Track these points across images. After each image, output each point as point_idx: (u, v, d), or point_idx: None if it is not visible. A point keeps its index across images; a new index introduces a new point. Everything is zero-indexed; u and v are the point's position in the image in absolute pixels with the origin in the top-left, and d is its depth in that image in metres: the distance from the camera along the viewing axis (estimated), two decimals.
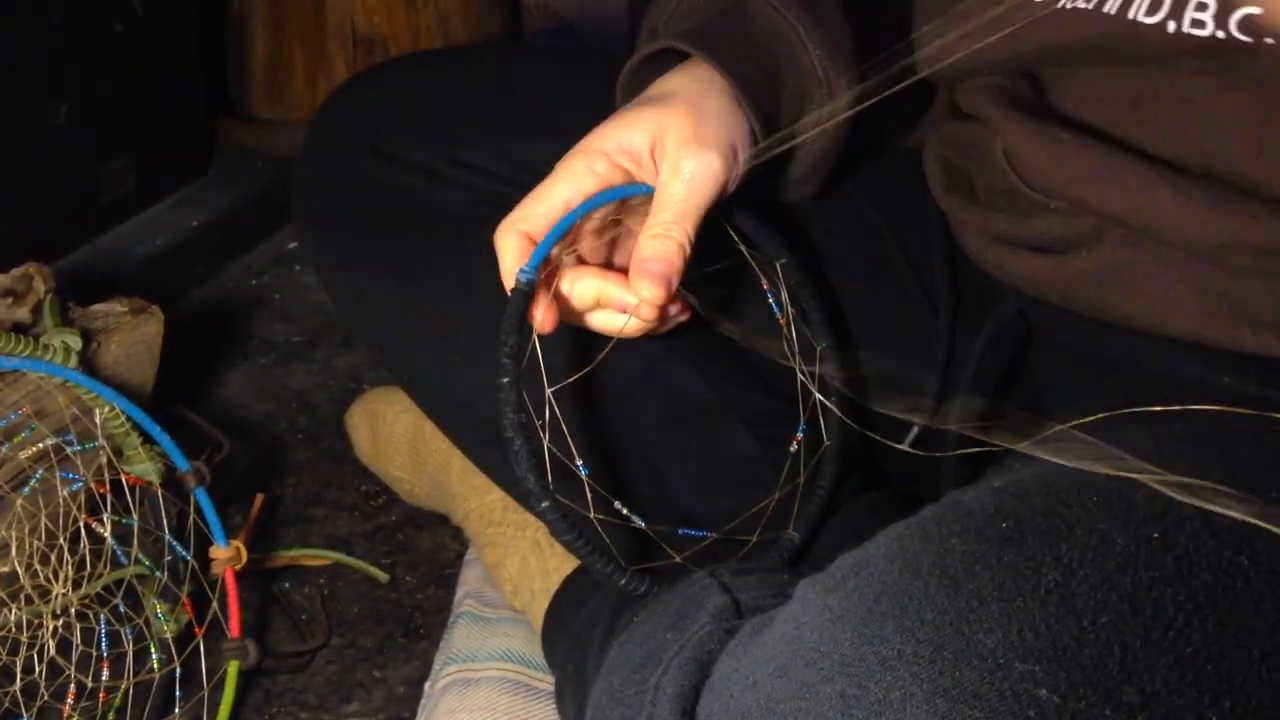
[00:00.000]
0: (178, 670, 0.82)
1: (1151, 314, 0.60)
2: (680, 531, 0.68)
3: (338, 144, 0.82)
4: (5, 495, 0.80)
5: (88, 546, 0.81)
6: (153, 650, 0.82)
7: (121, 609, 0.81)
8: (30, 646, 0.77)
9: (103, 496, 0.83)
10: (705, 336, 0.72)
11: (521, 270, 0.60)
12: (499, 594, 0.91)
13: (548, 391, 0.61)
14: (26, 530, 0.78)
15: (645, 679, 0.53)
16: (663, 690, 0.50)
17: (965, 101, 0.70)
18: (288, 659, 0.88)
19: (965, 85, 0.69)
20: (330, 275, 0.85)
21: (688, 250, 0.60)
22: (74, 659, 0.78)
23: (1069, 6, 0.59)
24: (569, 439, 0.62)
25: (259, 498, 1.00)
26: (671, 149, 0.61)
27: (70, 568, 0.79)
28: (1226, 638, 0.39)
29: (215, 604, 0.84)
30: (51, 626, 0.78)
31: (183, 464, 0.85)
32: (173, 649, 0.83)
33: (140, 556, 0.84)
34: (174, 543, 0.84)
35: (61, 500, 0.80)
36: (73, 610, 0.79)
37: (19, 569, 0.77)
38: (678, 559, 0.66)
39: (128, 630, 0.81)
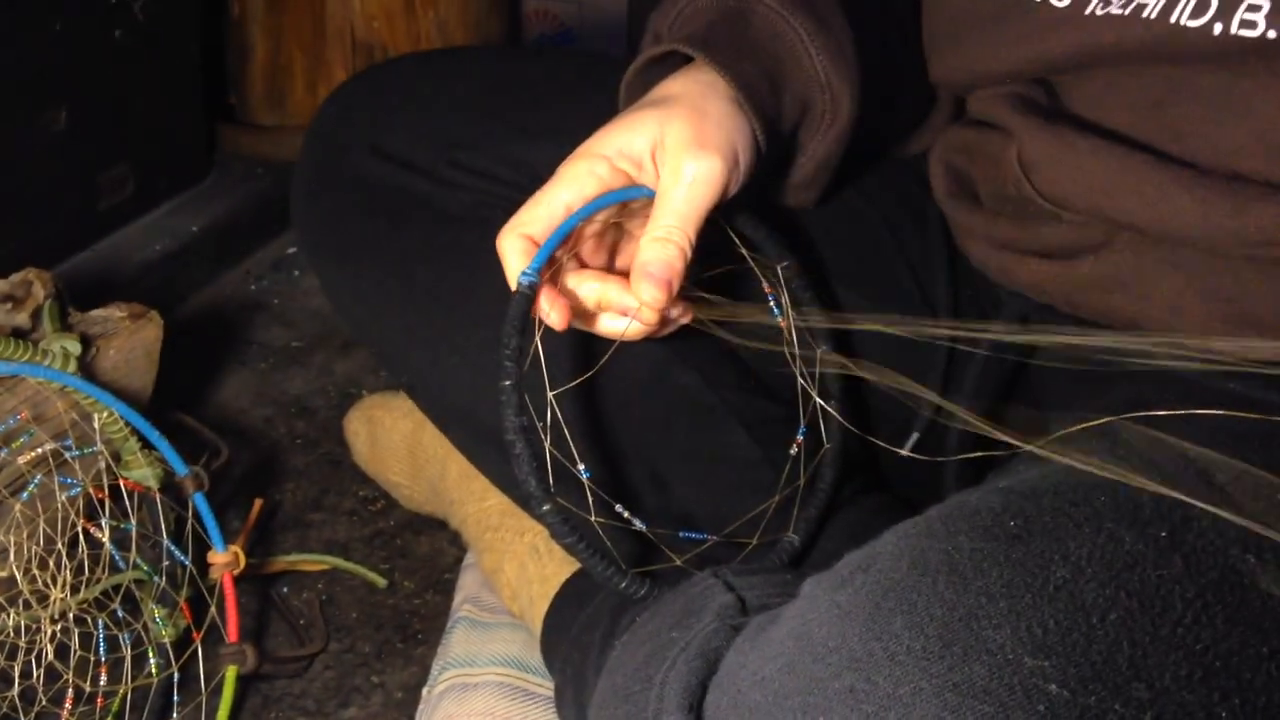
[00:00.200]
0: (176, 675, 0.82)
1: (1158, 318, 0.60)
2: (680, 534, 0.68)
3: (337, 144, 0.82)
4: (4, 500, 0.80)
5: (86, 551, 0.80)
6: (151, 655, 0.82)
7: (120, 614, 0.80)
8: (28, 651, 0.77)
9: (101, 501, 0.83)
10: (706, 340, 0.72)
11: (523, 273, 0.60)
12: (497, 599, 0.91)
13: (549, 395, 0.60)
14: (25, 535, 0.78)
15: (651, 676, 0.52)
16: (669, 686, 0.50)
17: (978, 107, 0.70)
18: (286, 664, 0.88)
19: (979, 91, 0.69)
20: (329, 275, 0.85)
21: (689, 253, 0.60)
22: (72, 664, 0.78)
23: (1100, 13, 0.59)
24: (570, 442, 0.62)
25: (257, 503, 1.00)
26: (673, 152, 0.61)
27: (68, 573, 0.79)
28: (1235, 635, 0.39)
29: (213, 609, 0.84)
30: (49, 631, 0.78)
31: (181, 469, 0.84)
32: (171, 654, 0.83)
33: (138, 561, 0.83)
34: (172, 548, 0.84)
35: (60, 505, 0.80)
36: (71, 615, 0.79)
37: (17, 574, 0.77)
38: (678, 562, 0.66)
39: (126, 635, 0.80)
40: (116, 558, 0.82)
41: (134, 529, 0.83)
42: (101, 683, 0.79)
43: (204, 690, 0.82)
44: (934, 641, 0.39)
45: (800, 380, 0.68)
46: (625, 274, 0.64)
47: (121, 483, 0.84)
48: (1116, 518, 0.42)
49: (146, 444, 0.84)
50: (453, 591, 0.96)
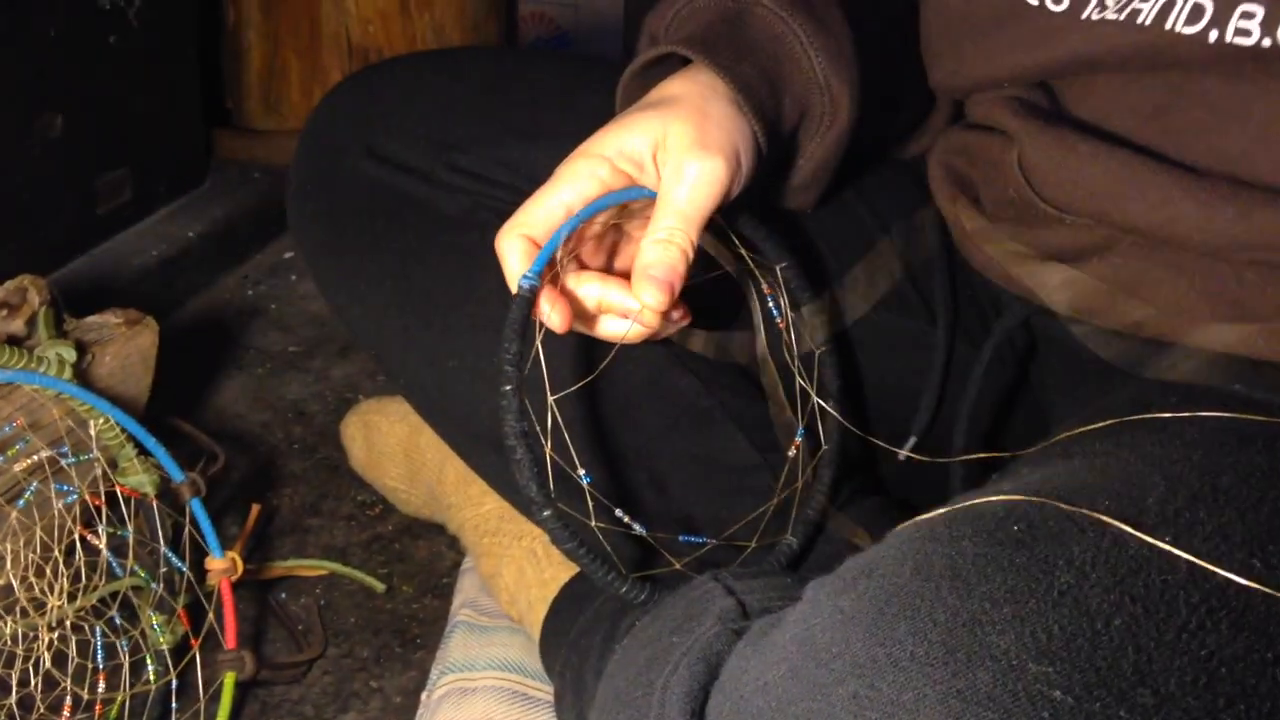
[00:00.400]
0: (174, 682, 0.82)
1: (1161, 322, 0.60)
2: (680, 538, 0.68)
3: (332, 146, 0.82)
4: (0, 508, 0.80)
5: (83, 559, 0.80)
6: (149, 662, 0.82)
7: (117, 621, 0.80)
8: (26, 659, 0.77)
9: (98, 508, 0.82)
10: (705, 343, 0.72)
11: (524, 276, 0.60)
12: (495, 603, 0.91)
13: (550, 399, 0.60)
14: (21, 543, 0.78)
15: (652, 680, 0.52)
16: (671, 691, 0.50)
17: (978, 111, 0.69)
18: (284, 670, 0.88)
19: (979, 95, 0.69)
20: (326, 279, 0.85)
21: (690, 255, 0.60)
22: (70, 671, 0.78)
23: (1095, 18, 0.59)
24: (570, 447, 0.61)
25: (255, 508, 1.00)
26: (675, 153, 0.61)
27: (65, 580, 0.79)
28: (1240, 641, 0.39)
29: (211, 615, 0.84)
30: (47, 639, 0.77)
31: (178, 475, 0.84)
32: (169, 661, 0.82)
33: (136, 568, 0.83)
34: (169, 554, 0.84)
35: (56, 513, 0.79)
36: (68, 623, 0.79)
37: (14, 582, 0.77)
38: (678, 565, 0.65)
39: (123, 642, 0.80)
40: (114, 565, 0.82)
41: (131, 535, 0.83)
42: (99, 690, 0.79)
43: (202, 697, 0.81)
44: (938, 647, 0.39)
45: (799, 381, 0.68)
46: (624, 276, 0.63)
47: (118, 489, 0.84)
48: (1121, 522, 0.42)
49: (143, 450, 0.84)
50: (451, 596, 0.95)
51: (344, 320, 0.87)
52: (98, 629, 0.79)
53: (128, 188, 1.38)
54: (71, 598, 0.79)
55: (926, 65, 0.73)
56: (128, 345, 0.93)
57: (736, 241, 0.67)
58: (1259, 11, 0.53)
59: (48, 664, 0.77)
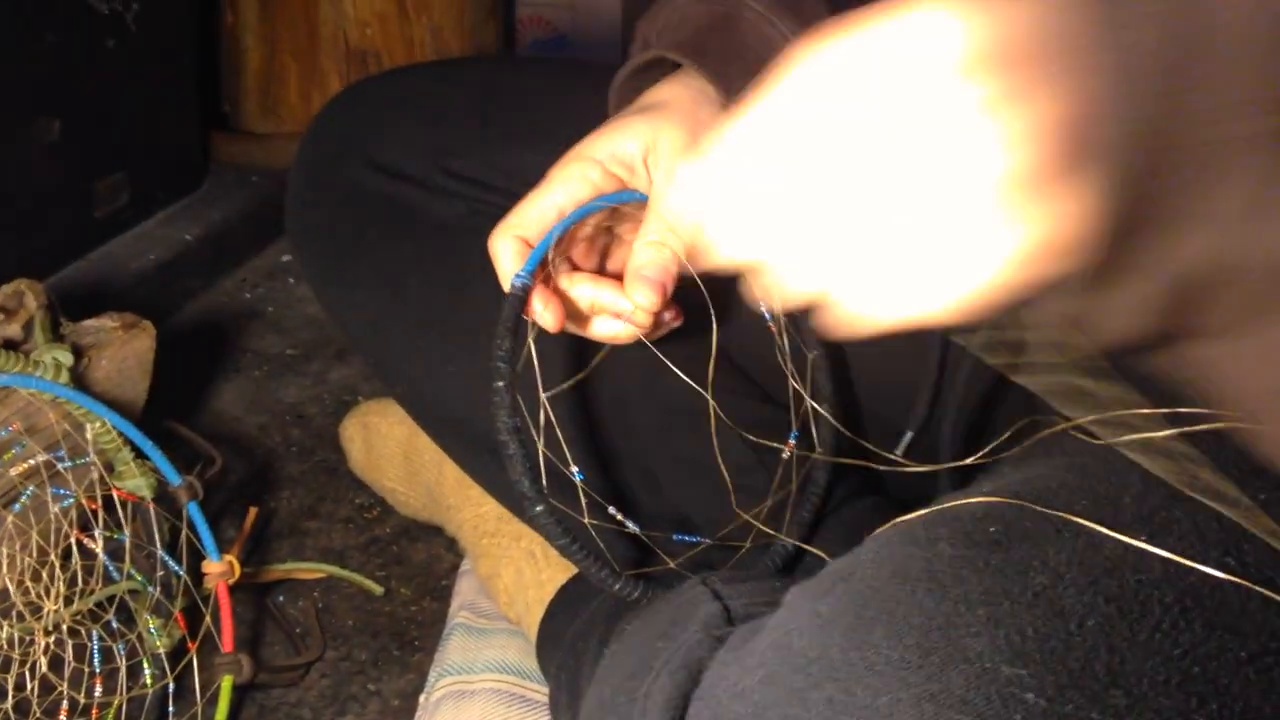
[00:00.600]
0: (171, 685, 0.82)
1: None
2: (674, 537, 0.68)
3: (331, 156, 0.82)
4: None
5: (80, 562, 0.80)
6: (146, 666, 0.82)
7: (114, 625, 0.80)
8: (22, 663, 0.77)
9: (94, 512, 0.83)
10: (698, 343, 0.72)
11: (517, 275, 0.61)
12: (494, 605, 0.91)
13: (542, 396, 0.60)
14: (18, 547, 0.78)
15: (635, 688, 0.53)
16: (652, 699, 0.50)
17: None
18: (282, 673, 0.88)
19: None
20: (323, 286, 0.85)
21: (682, 257, 0.60)
22: (66, 675, 0.78)
23: None
24: (564, 444, 0.62)
25: (252, 511, 1.00)
26: (666, 157, 0.61)
27: (62, 584, 0.79)
28: (1214, 639, 0.39)
29: (208, 618, 0.84)
30: (44, 643, 0.78)
31: (175, 479, 0.84)
32: (166, 664, 0.83)
33: (133, 572, 0.83)
34: (166, 558, 0.84)
35: (53, 516, 0.80)
36: (65, 626, 0.79)
37: (10, 586, 0.77)
38: (672, 565, 0.66)
39: (120, 646, 0.80)
40: (110, 568, 0.82)
41: (128, 539, 0.83)
42: (96, 694, 0.79)
43: (200, 700, 0.82)
44: (912, 651, 0.39)
45: (792, 382, 0.68)
46: (616, 278, 0.64)
47: (115, 493, 0.84)
48: (1097, 522, 0.42)
49: (140, 454, 0.84)
50: (449, 598, 0.96)
51: (341, 328, 0.87)
52: (94, 633, 0.80)
53: (125, 191, 1.38)
54: (68, 601, 0.79)
55: None
56: (125, 349, 0.93)
57: None
58: None
59: (44, 668, 0.77)
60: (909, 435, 0.75)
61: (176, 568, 0.84)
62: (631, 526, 0.64)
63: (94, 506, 0.83)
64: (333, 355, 1.32)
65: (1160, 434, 0.47)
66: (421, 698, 0.86)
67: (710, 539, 0.68)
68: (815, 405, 0.69)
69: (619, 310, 0.62)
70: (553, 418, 0.61)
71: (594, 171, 0.62)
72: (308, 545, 1.03)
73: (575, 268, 0.66)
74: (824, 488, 0.72)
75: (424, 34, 1.62)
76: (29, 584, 0.78)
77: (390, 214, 0.79)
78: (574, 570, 0.82)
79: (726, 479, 0.67)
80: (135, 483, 0.85)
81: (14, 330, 0.86)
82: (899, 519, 0.47)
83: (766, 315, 0.69)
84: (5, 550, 0.77)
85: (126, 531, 0.83)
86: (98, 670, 0.79)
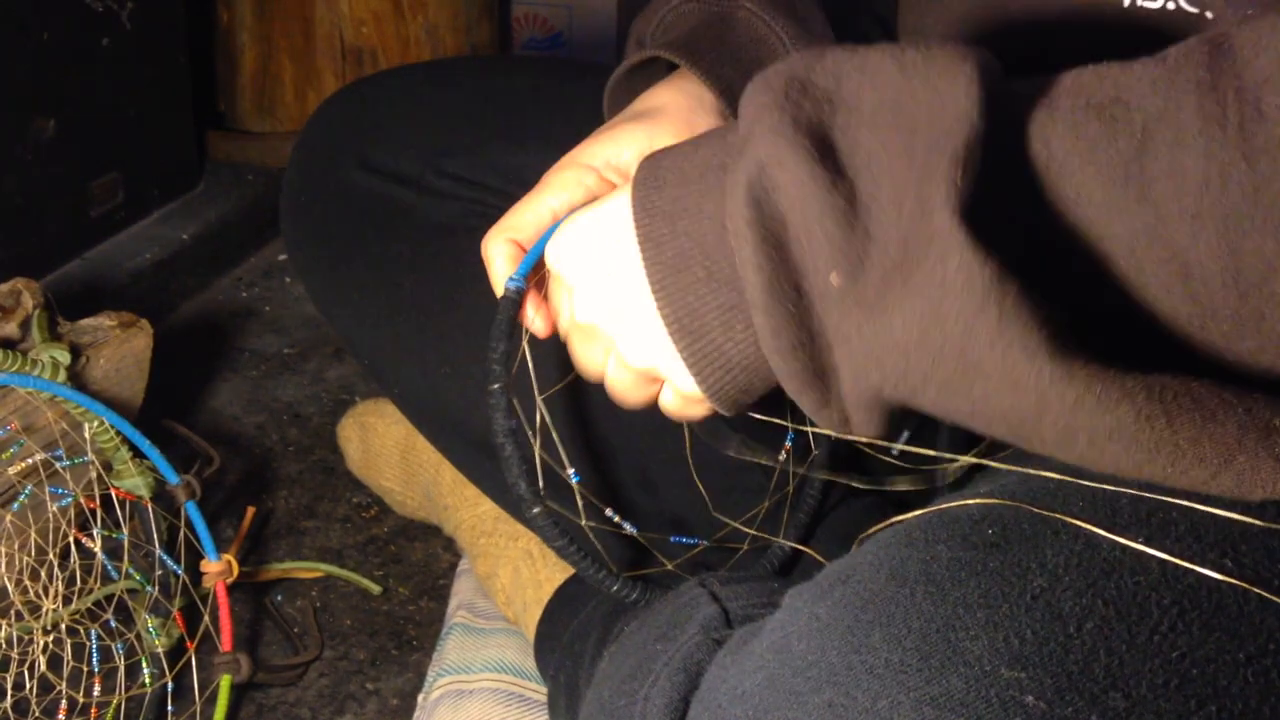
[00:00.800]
0: (169, 685, 0.82)
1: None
2: (671, 539, 0.68)
3: (325, 156, 0.82)
4: None
5: (78, 562, 0.80)
6: (144, 665, 0.82)
7: (112, 624, 0.80)
8: (21, 662, 0.77)
9: (92, 511, 0.83)
10: None
11: (510, 279, 0.60)
12: (492, 605, 0.91)
13: (538, 398, 0.61)
14: (16, 546, 0.78)
15: (635, 690, 0.53)
16: (652, 702, 0.50)
17: None
18: (280, 672, 0.88)
19: None
20: (318, 287, 0.85)
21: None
22: (65, 675, 0.78)
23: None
24: (560, 446, 0.62)
25: (250, 511, 1.00)
26: None
27: (60, 583, 0.79)
28: (1212, 641, 0.39)
29: (207, 618, 0.84)
30: (42, 642, 0.78)
31: (173, 478, 0.84)
32: (164, 663, 0.83)
33: (131, 571, 0.83)
34: (165, 557, 0.84)
35: (51, 516, 0.80)
36: (63, 626, 0.79)
37: (9, 585, 0.77)
38: (669, 566, 0.66)
39: (119, 645, 0.80)
40: (109, 568, 0.82)
41: (126, 538, 0.83)
42: (95, 693, 0.79)
43: (198, 700, 0.82)
44: (911, 654, 0.39)
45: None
46: None
47: (113, 492, 0.84)
48: (1094, 524, 0.42)
49: (138, 453, 0.84)
50: (447, 598, 0.96)
51: (337, 329, 0.87)
52: (93, 632, 0.80)
53: (121, 190, 1.38)
54: (66, 601, 0.79)
55: None
56: (122, 348, 0.93)
57: None
58: None
59: (43, 667, 0.77)
60: (905, 434, 0.75)
61: (175, 567, 0.84)
62: (629, 528, 0.64)
63: (92, 505, 0.83)
64: (330, 354, 1.32)
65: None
66: (420, 697, 0.86)
67: (707, 540, 0.69)
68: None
69: None
70: (549, 420, 0.61)
71: (589, 178, 0.62)
72: (305, 544, 1.03)
73: None
74: (820, 489, 0.72)
75: (419, 32, 1.62)
76: (27, 583, 0.78)
77: (385, 214, 0.79)
78: (571, 570, 0.82)
79: (713, 488, 0.68)
80: (133, 482, 0.85)
81: (11, 329, 0.86)
82: (895, 519, 0.48)
83: None
84: (3, 549, 0.77)
85: (125, 530, 0.83)
86: (96, 669, 0.80)
